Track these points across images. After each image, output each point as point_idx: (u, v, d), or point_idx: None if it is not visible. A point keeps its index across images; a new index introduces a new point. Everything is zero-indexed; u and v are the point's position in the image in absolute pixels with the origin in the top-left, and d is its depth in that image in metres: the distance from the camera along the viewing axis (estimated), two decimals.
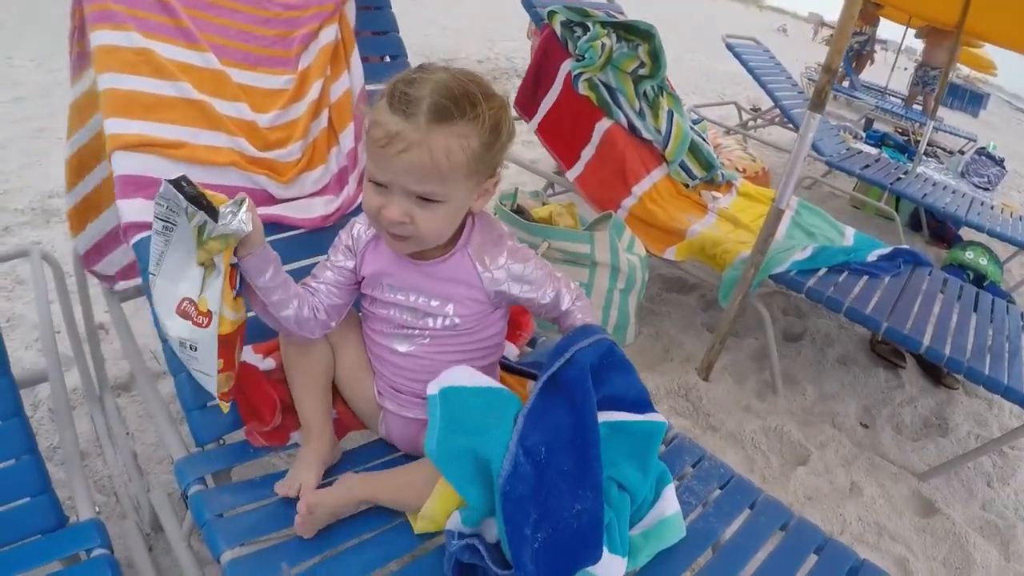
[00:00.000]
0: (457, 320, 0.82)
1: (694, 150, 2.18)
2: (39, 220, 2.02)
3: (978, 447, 1.74)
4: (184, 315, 0.72)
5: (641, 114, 2.08)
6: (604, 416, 0.77)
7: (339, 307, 0.85)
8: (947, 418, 1.95)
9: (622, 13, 2.34)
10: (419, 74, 0.71)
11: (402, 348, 0.84)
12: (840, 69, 7.22)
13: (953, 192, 3.30)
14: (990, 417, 2.02)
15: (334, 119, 1.14)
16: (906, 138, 4.89)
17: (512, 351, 1.06)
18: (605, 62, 2.00)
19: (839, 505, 1.50)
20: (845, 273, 1.88)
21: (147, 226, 0.97)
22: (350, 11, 1.21)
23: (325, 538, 0.76)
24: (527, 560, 0.63)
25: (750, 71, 3.37)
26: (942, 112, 8.03)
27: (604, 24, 2.03)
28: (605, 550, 0.68)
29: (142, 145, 0.96)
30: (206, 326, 0.72)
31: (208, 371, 0.75)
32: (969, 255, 2.69)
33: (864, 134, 4.71)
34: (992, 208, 3.23)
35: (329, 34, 1.15)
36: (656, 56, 2.09)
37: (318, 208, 1.07)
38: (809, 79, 6.57)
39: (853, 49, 6.68)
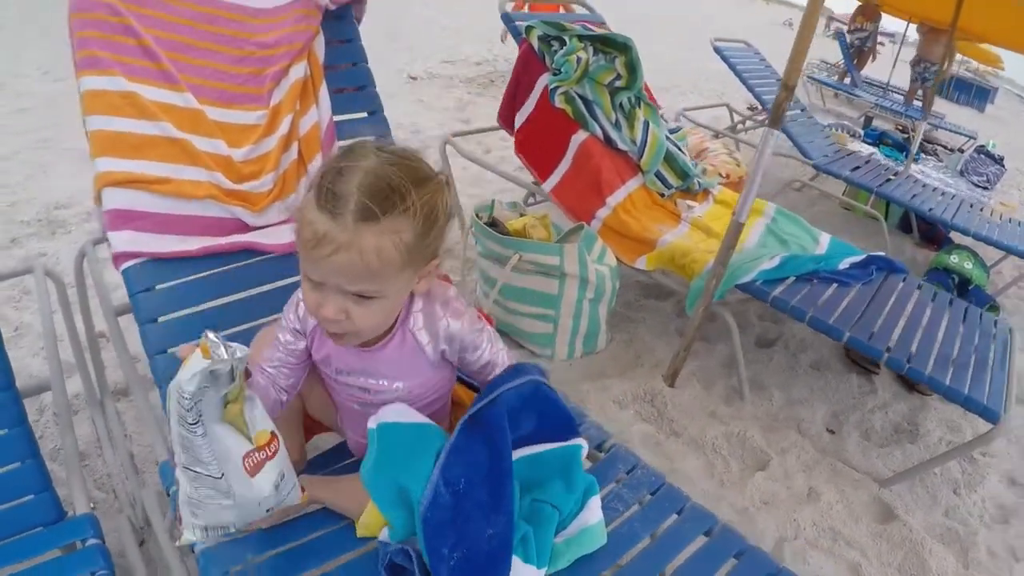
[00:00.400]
0: (408, 391, 0.86)
1: (669, 159, 2.23)
2: (45, 232, 2.12)
3: (943, 453, 1.71)
4: (257, 468, 0.68)
5: (617, 125, 2.14)
6: (523, 451, 0.87)
7: (294, 384, 0.87)
8: (919, 424, 1.94)
9: (603, 24, 2.39)
10: (347, 162, 0.68)
11: (359, 408, 0.90)
12: (841, 65, 7.15)
13: (942, 194, 3.29)
14: (964, 423, 2.00)
15: (303, 151, 1.23)
16: (906, 136, 4.86)
17: None
18: (581, 75, 2.05)
19: (794, 510, 1.53)
20: (814, 282, 1.90)
21: (135, 255, 1.07)
22: (319, 47, 1.30)
23: (287, 532, 0.86)
24: (444, 574, 0.74)
25: (738, 75, 3.39)
26: (947, 108, 7.91)
27: (581, 38, 2.09)
28: (519, 560, 0.78)
29: (130, 182, 1.07)
30: (279, 448, 0.70)
31: (291, 479, 0.74)
32: (954, 259, 2.67)
33: (862, 132, 4.70)
34: (982, 210, 3.22)
35: (299, 71, 1.24)
36: (633, 68, 2.14)
37: (288, 234, 1.16)
38: (810, 77, 6.51)
39: (854, 45, 6.62)
